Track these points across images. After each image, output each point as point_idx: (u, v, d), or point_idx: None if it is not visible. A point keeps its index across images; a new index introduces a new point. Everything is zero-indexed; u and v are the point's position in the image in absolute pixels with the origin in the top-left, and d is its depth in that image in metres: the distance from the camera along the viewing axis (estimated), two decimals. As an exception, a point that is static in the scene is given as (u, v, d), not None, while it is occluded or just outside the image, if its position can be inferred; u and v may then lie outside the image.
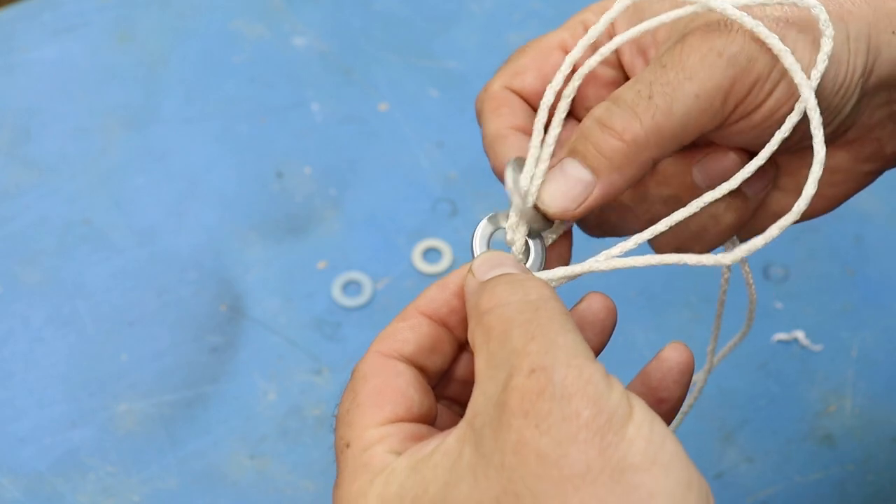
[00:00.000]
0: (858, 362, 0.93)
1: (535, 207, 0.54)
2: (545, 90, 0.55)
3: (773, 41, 0.50)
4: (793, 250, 0.99)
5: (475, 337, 0.48)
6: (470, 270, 0.51)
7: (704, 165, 0.55)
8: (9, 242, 0.99)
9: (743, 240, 0.60)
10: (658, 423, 0.45)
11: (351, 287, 0.97)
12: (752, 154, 0.55)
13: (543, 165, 0.54)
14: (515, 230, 0.55)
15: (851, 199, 1.02)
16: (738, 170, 0.54)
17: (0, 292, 0.96)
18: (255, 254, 0.99)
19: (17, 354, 0.93)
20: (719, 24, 0.51)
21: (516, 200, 0.54)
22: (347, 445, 0.49)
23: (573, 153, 0.53)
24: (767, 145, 0.53)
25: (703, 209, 0.55)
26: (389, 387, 0.50)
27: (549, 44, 0.58)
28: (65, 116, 1.07)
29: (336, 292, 0.96)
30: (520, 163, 0.54)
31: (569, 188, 0.53)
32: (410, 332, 0.52)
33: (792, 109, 0.52)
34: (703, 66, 0.50)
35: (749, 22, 0.50)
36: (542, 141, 0.54)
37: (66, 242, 0.99)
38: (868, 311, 0.96)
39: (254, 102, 1.08)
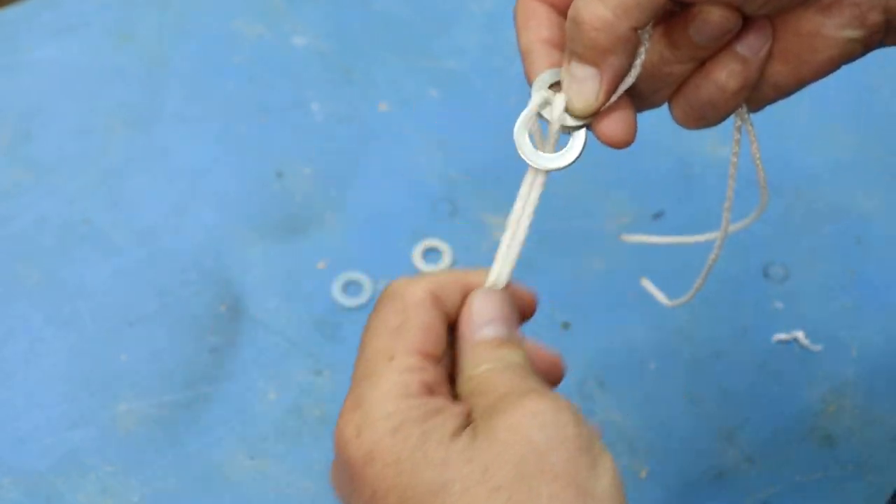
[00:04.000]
0: (859, 362, 0.93)
1: (566, 112, 0.59)
2: None
3: None
4: (793, 250, 0.99)
5: (466, 387, 0.57)
6: (468, 306, 0.58)
7: (696, 25, 0.57)
8: (8, 242, 0.99)
9: (752, 109, 0.62)
10: None
11: (351, 287, 0.97)
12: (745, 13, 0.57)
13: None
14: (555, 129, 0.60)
15: (852, 199, 1.02)
16: (729, 24, 0.56)
17: (0, 292, 0.96)
18: (255, 254, 0.99)
19: (16, 354, 0.93)
20: None
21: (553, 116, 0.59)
22: (391, 358, 0.55)
23: (570, 55, 0.57)
24: None
25: (707, 80, 0.58)
26: (435, 327, 0.56)
27: None
28: (65, 116, 1.07)
29: (336, 292, 0.96)
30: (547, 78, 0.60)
31: (580, 87, 0.56)
32: (457, 294, 0.58)
33: None
34: None
35: None
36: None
37: (66, 242, 0.99)
38: (869, 311, 0.96)
39: (254, 102, 1.08)
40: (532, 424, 0.51)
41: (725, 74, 0.58)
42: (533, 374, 0.55)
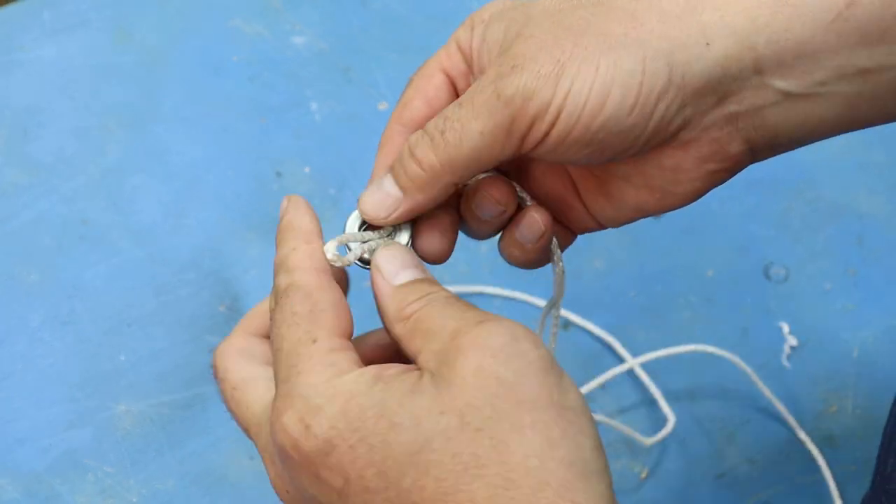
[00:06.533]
0: (860, 363, 0.92)
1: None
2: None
3: None
4: (793, 250, 0.99)
5: (404, 329, 0.55)
6: (377, 268, 0.59)
7: (476, 201, 0.62)
8: (6, 242, 0.98)
9: (615, 226, 0.64)
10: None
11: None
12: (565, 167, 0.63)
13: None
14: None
15: (853, 200, 1.02)
16: (503, 203, 0.61)
17: (-2, 292, 0.96)
18: (254, 254, 0.98)
19: (14, 355, 0.92)
20: (514, 59, 0.56)
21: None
22: (314, 341, 0.55)
23: (391, 170, 0.60)
24: None
25: (504, 242, 0.63)
26: (344, 305, 0.57)
27: (430, 68, 0.64)
28: (63, 115, 1.07)
29: (335, 292, 0.96)
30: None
31: (381, 199, 0.60)
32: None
33: (589, 128, 0.56)
34: (486, 107, 0.56)
35: None
36: None
37: (64, 242, 0.99)
38: (870, 312, 0.95)
39: (253, 102, 1.08)
40: (496, 362, 0.51)
41: (510, 249, 0.63)
42: (468, 305, 0.55)
